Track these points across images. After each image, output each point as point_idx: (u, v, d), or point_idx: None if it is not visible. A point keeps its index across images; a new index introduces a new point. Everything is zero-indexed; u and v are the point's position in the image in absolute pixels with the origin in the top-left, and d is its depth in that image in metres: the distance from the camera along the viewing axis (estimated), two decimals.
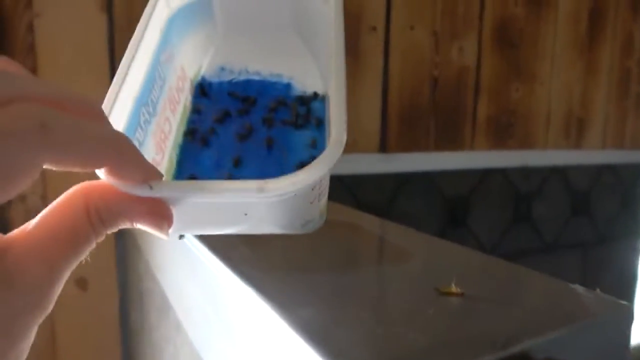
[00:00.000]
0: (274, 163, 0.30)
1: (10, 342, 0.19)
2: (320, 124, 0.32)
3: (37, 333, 0.20)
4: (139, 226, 0.22)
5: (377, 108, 1.12)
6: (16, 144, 0.17)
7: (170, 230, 0.23)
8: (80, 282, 0.90)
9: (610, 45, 1.49)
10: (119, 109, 0.25)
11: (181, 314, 0.54)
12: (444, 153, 1.22)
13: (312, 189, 0.24)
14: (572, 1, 1.38)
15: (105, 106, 0.25)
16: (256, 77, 0.36)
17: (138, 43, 0.28)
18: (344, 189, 1.08)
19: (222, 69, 0.37)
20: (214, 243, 0.40)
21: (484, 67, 1.25)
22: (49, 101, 0.19)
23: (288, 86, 0.35)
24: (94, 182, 0.21)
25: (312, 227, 0.27)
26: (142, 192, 0.21)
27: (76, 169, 0.19)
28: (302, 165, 0.28)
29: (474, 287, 0.32)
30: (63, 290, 0.21)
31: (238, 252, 0.39)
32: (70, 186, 0.21)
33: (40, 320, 0.20)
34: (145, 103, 0.28)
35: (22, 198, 0.84)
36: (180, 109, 0.33)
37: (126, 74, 0.26)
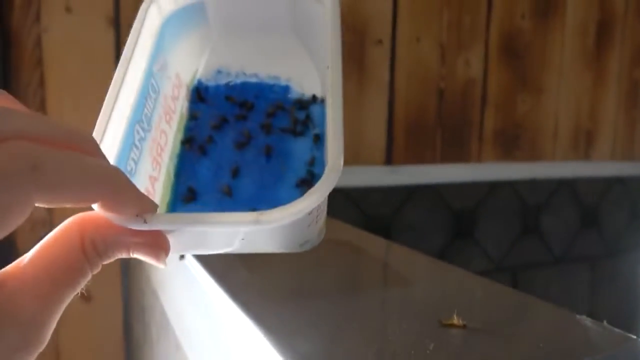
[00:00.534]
0: (273, 174, 0.30)
1: None
2: (319, 140, 0.31)
3: None
4: (136, 256, 0.22)
5: (383, 120, 1.11)
6: (7, 185, 0.17)
7: (167, 259, 0.23)
8: (84, 295, 0.90)
9: (618, 56, 1.48)
10: (112, 131, 0.25)
11: (180, 334, 0.53)
12: (450, 165, 1.21)
13: (309, 214, 0.24)
14: (580, 12, 1.37)
15: (97, 130, 0.24)
16: (253, 80, 0.36)
17: (130, 56, 0.28)
18: (349, 201, 1.08)
19: (219, 71, 0.36)
20: (213, 266, 0.40)
21: (490, 79, 1.24)
22: (42, 138, 0.18)
23: (286, 88, 0.35)
24: (89, 213, 0.21)
25: (310, 245, 0.27)
26: (137, 225, 0.21)
27: (69, 206, 0.19)
28: (300, 182, 0.28)
29: (478, 317, 0.31)
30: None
31: (237, 275, 0.39)
32: None
33: (35, 355, 0.20)
34: (139, 120, 0.28)
35: None
36: (176, 117, 0.33)
37: (118, 91, 0.26)
